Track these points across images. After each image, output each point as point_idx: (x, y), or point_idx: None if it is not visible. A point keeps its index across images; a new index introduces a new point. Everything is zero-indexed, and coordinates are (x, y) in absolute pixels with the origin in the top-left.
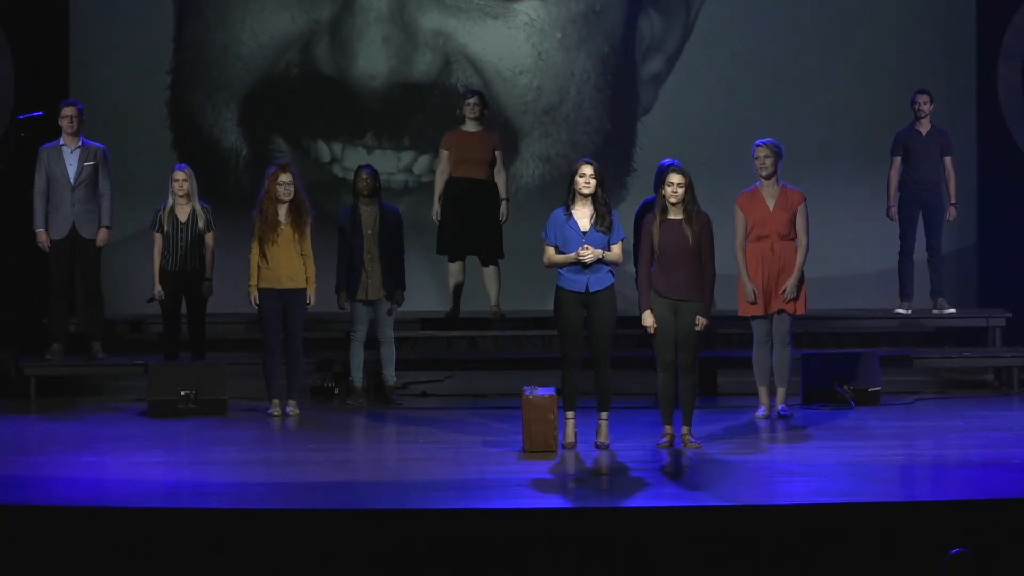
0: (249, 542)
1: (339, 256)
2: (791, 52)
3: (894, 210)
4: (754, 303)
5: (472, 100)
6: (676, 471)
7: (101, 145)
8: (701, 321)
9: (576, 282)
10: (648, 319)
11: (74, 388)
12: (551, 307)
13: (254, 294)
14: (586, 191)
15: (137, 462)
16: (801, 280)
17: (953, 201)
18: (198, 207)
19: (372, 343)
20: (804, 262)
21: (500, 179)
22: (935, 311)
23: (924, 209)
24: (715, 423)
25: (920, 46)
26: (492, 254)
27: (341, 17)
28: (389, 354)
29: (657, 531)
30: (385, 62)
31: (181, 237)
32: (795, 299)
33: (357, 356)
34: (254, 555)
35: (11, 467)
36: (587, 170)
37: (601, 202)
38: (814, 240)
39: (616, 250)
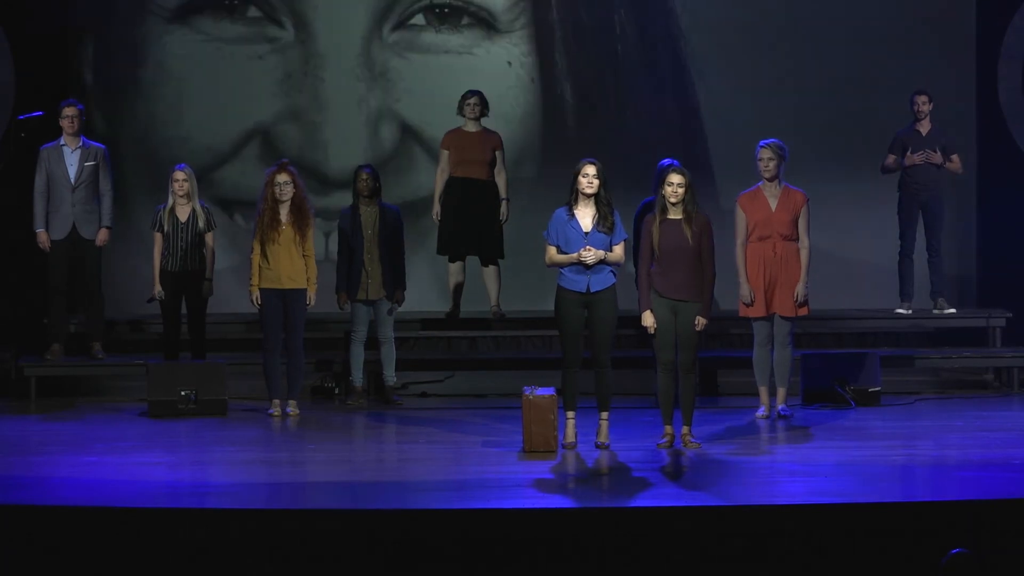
0: (249, 542)
1: (339, 256)
2: (791, 52)
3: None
4: (750, 306)
5: (472, 100)
6: (676, 471)
7: (102, 145)
8: (701, 321)
9: (577, 282)
10: (648, 319)
11: (74, 388)
12: (551, 307)
13: (255, 294)
14: (589, 191)
15: (137, 462)
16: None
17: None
18: (198, 207)
19: (372, 343)
20: (809, 263)
21: (500, 179)
22: (935, 311)
23: (924, 209)
24: (715, 423)
25: (920, 46)
26: (492, 254)
27: None
28: (389, 354)
29: (657, 531)
30: None
31: (181, 237)
32: (805, 304)
33: (357, 356)
34: (254, 555)
35: (11, 467)
36: (590, 170)
37: (604, 202)
38: (814, 240)
39: (618, 251)
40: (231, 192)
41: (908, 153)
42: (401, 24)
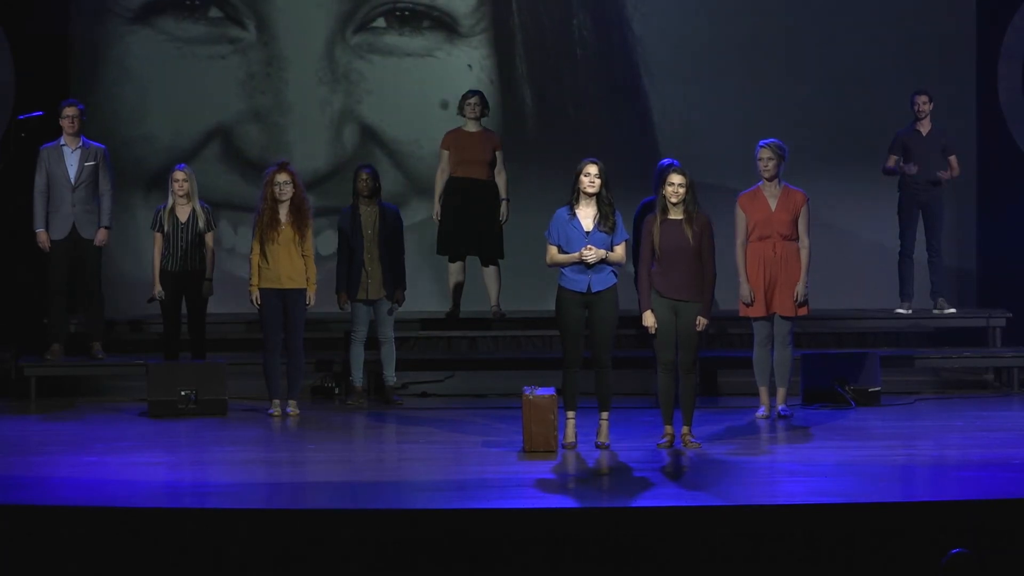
0: (249, 542)
1: (339, 256)
2: (791, 52)
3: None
4: (750, 305)
5: (472, 100)
6: (676, 471)
7: (102, 145)
8: (701, 321)
9: (578, 282)
10: (648, 319)
11: (74, 388)
12: (551, 307)
13: (255, 294)
14: (590, 191)
15: (137, 462)
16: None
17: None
18: (198, 207)
19: (372, 343)
20: (809, 263)
21: (500, 179)
22: (935, 311)
23: (924, 210)
24: (715, 423)
25: (920, 46)
26: (492, 254)
27: None
28: (389, 354)
29: (657, 531)
30: None
31: (181, 237)
32: (805, 303)
33: (357, 356)
34: (254, 555)
35: (11, 467)
36: (592, 169)
37: (605, 202)
38: (814, 240)
39: (619, 251)
40: None
41: (902, 163)
42: (364, 27)
